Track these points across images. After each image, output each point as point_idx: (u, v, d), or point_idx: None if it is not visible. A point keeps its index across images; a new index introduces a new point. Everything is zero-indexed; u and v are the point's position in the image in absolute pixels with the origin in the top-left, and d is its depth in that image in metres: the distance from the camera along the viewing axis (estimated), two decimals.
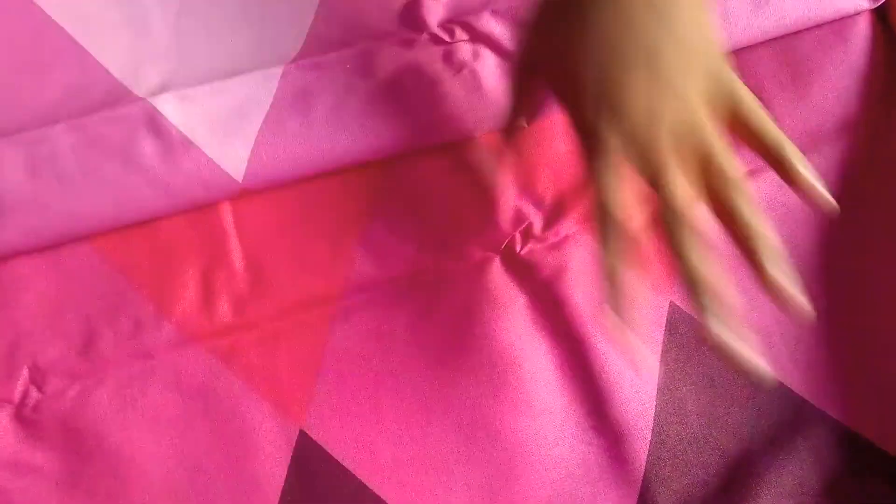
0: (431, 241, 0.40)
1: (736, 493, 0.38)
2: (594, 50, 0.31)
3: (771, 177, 0.32)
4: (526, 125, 0.39)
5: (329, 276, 0.39)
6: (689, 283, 0.29)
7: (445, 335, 0.39)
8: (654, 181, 0.29)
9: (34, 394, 0.37)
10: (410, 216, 0.40)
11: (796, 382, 0.40)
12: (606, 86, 0.30)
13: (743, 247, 0.29)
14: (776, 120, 0.31)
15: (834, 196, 0.31)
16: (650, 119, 0.30)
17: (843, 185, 0.42)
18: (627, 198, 0.31)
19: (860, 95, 0.43)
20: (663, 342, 0.40)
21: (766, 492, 0.38)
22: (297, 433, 0.38)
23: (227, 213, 0.40)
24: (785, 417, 0.39)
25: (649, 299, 0.40)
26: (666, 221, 0.30)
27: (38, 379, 0.37)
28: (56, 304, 0.38)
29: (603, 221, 0.30)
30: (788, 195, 0.41)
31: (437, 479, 0.38)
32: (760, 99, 0.31)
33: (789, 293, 0.29)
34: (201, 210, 0.39)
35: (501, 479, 0.38)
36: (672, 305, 0.40)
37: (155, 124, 0.39)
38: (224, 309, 0.39)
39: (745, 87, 0.31)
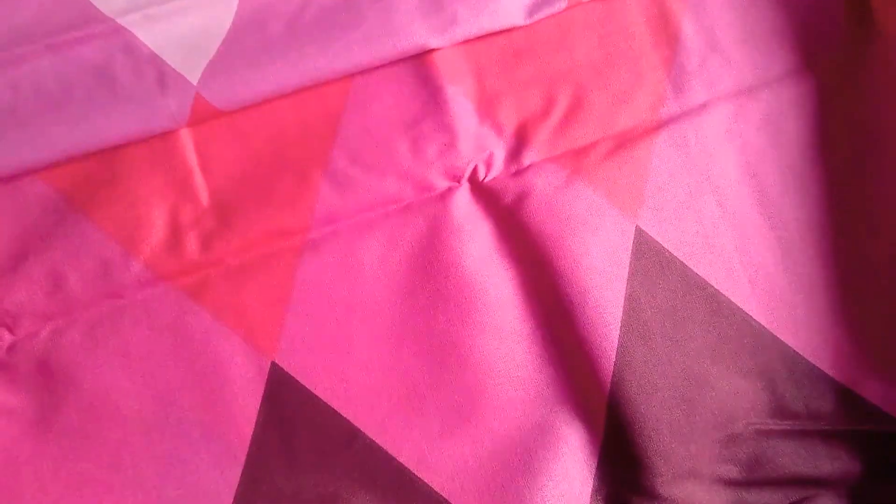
0: (394, 170, 0.40)
1: (699, 416, 0.38)
2: None
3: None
4: None
5: (295, 208, 0.39)
6: None
7: (413, 264, 0.39)
8: None
9: (7, 336, 0.38)
10: (372, 145, 0.40)
11: (755, 310, 0.40)
12: None
13: None
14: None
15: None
16: None
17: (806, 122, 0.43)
18: None
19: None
20: (630, 265, 0.40)
21: (728, 414, 0.38)
22: (269, 365, 0.38)
23: (189, 149, 0.40)
24: (745, 344, 0.40)
25: (616, 223, 0.40)
26: None
27: (7, 322, 0.38)
28: (19, 247, 0.38)
29: None
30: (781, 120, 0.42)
31: (408, 404, 0.38)
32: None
33: None
34: (165, 148, 0.39)
35: (471, 402, 0.38)
36: (638, 230, 0.40)
37: (126, 43, 0.39)
38: (192, 246, 0.39)
39: None
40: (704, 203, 0.41)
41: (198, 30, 0.40)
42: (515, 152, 0.41)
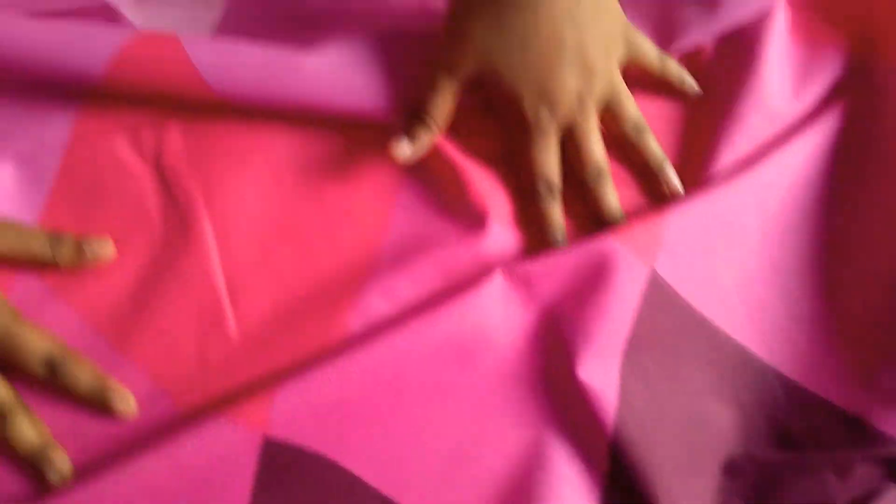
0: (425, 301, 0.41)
1: (702, 453, 0.39)
2: (533, 55, 0.41)
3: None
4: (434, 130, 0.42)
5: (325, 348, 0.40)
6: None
7: (415, 316, 0.40)
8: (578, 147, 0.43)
9: None
10: (407, 280, 0.41)
11: (755, 344, 0.41)
12: (546, 84, 0.41)
13: (649, 169, 0.44)
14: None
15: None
16: (580, 101, 0.42)
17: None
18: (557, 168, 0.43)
19: None
20: (639, 308, 0.40)
21: (731, 449, 0.39)
22: (262, 439, 0.37)
23: (220, 280, 0.41)
24: (746, 378, 0.41)
25: (631, 266, 0.40)
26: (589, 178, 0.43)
27: None
28: None
29: (547, 189, 0.42)
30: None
31: (406, 447, 0.38)
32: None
33: (677, 187, 0.44)
34: (194, 278, 0.40)
35: (471, 442, 0.39)
36: (653, 273, 0.41)
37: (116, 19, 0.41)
38: (220, 380, 0.39)
39: (644, 38, 0.45)
40: (717, 242, 0.42)
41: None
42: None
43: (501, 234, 0.43)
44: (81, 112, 0.43)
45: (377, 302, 0.41)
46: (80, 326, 0.39)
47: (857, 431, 0.39)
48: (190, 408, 0.38)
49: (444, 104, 0.42)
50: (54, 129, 0.43)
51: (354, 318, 0.40)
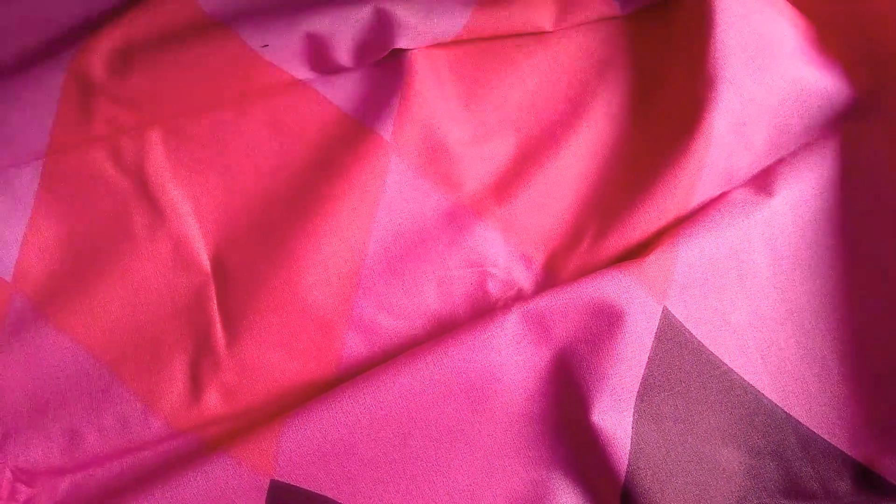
0: (421, 313, 0.39)
1: (713, 500, 0.39)
2: None
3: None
4: None
5: (320, 359, 0.39)
6: None
7: (424, 358, 0.38)
8: None
9: (24, 489, 0.36)
10: (399, 289, 0.40)
11: (767, 387, 0.40)
12: None
13: None
14: None
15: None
16: None
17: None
18: None
19: None
20: (651, 349, 0.39)
21: (742, 495, 0.39)
22: (269, 483, 0.37)
23: (211, 299, 0.39)
24: (757, 423, 0.40)
25: (644, 305, 0.39)
26: None
27: (23, 478, 0.36)
28: (39, 403, 0.37)
29: None
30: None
31: (417, 489, 0.38)
32: None
33: None
34: (188, 294, 0.39)
35: (482, 484, 0.38)
36: (665, 311, 0.40)
37: None
38: (213, 400, 0.38)
39: None
40: (728, 279, 0.41)
41: None
42: (544, 285, 0.40)
43: (486, 233, 0.41)
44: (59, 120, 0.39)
45: (371, 313, 0.39)
46: (73, 348, 0.38)
47: (868, 483, 0.40)
48: (185, 429, 0.38)
49: None
50: (32, 141, 0.39)
51: (352, 334, 0.39)
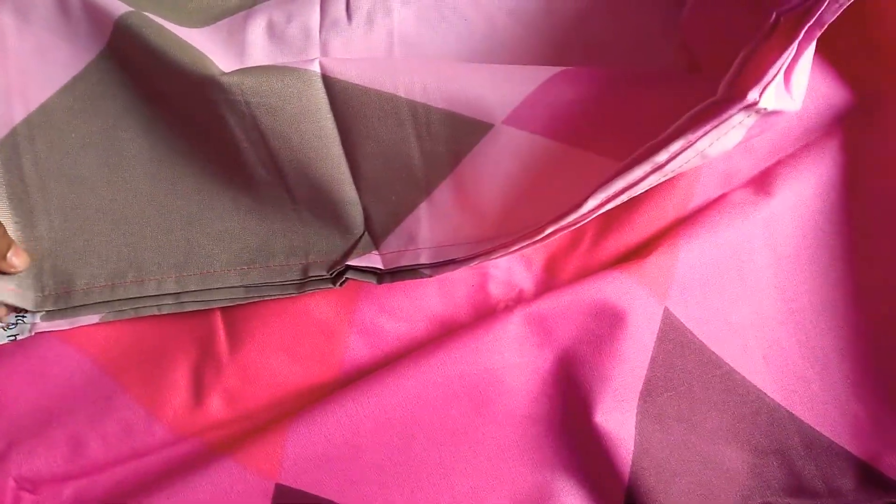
0: (423, 315, 0.39)
1: (717, 499, 0.39)
2: None
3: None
4: None
5: (323, 363, 0.39)
6: None
7: (427, 361, 0.38)
8: None
9: (27, 497, 0.36)
10: (400, 292, 0.39)
11: (770, 387, 0.41)
12: None
13: None
14: None
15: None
16: None
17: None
18: None
19: None
20: (653, 350, 0.39)
21: (745, 495, 0.39)
22: (274, 487, 0.37)
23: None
24: (760, 422, 0.40)
25: (646, 305, 0.39)
26: None
27: (27, 487, 0.36)
28: (42, 411, 0.37)
29: None
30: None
31: (421, 492, 0.38)
32: None
33: None
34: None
35: (486, 487, 0.38)
36: (666, 312, 0.40)
37: None
38: (216, 405, 0.38)
39: None
40: (729, 279, 0.41)
41: None
42: (545, 286, 0.40)
43: None
44: None
45: (373, 316, 0.39)
46: (76, 356, 0.38)
47: (871, 480, 0.40)
48: (188, 434, 0.38)
49: None
50: None
51: (354, 338, 0.39)
